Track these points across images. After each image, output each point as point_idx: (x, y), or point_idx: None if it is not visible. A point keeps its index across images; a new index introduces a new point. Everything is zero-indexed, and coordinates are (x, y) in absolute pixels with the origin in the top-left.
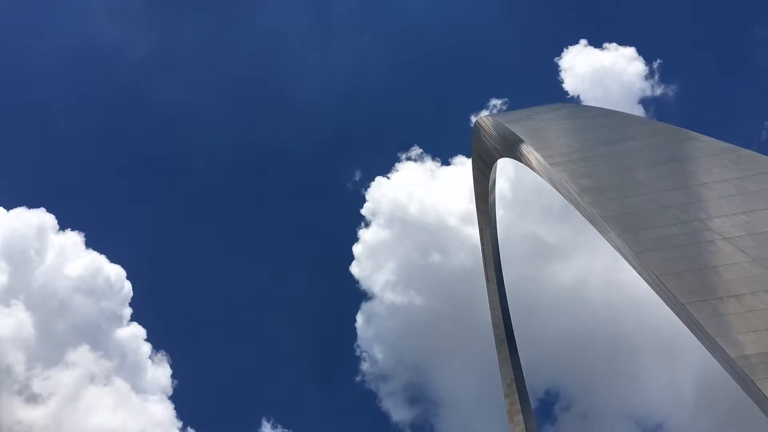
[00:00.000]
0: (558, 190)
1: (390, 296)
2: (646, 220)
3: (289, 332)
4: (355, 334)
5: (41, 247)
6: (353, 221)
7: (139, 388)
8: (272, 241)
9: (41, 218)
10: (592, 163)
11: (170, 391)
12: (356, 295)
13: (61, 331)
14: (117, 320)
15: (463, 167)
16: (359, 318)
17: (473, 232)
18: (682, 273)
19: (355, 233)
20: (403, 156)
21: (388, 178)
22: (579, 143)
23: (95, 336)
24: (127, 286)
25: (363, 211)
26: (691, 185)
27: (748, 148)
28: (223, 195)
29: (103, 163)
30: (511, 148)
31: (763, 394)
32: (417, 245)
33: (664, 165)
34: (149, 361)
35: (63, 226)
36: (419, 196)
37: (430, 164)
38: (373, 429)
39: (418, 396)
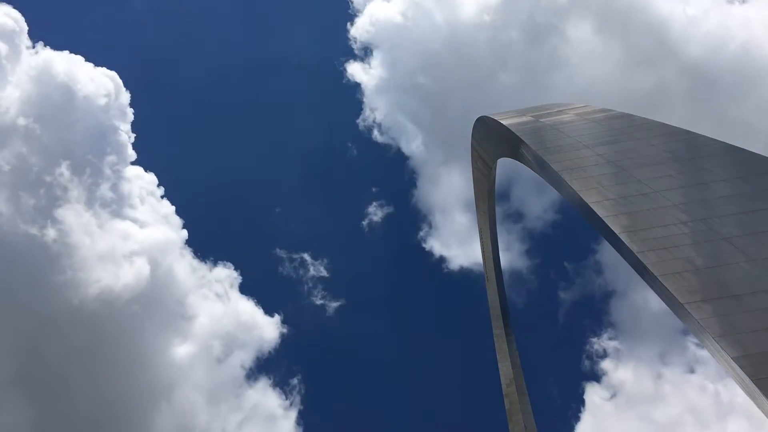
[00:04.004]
0: (558, 190)
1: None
2: (646, 220)
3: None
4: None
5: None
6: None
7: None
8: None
9: None
10: (592, 163)
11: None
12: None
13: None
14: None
15: None
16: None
17: None
18: (682, 273)
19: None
20: None
21: None
22: (579, 143)
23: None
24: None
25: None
26: (691, 185)
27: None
28: None
29: None
30: (511, 147)
31: (763, 394)
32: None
33: (665, 165)
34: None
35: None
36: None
37: None
38: None
39: None
